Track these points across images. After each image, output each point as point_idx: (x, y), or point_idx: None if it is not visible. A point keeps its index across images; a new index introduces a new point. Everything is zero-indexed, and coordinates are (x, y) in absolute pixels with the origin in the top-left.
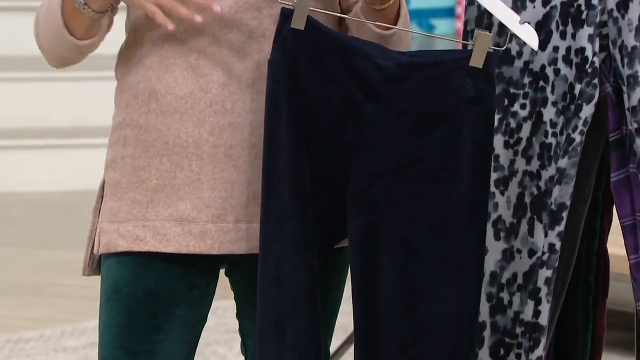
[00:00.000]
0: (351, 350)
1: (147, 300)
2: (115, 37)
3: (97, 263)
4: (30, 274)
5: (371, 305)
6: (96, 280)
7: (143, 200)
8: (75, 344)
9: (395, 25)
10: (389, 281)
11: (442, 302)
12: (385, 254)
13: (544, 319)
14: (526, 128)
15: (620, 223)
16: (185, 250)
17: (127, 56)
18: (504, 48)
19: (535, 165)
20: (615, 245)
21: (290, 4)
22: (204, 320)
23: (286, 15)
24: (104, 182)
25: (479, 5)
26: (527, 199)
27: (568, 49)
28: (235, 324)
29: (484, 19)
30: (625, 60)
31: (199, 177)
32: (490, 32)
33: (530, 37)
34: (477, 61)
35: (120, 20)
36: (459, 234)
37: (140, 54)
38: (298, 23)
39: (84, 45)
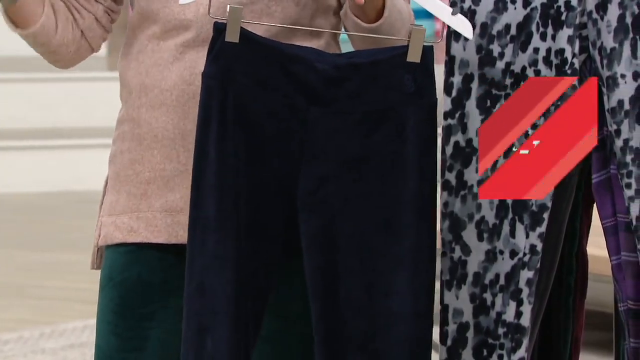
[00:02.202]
0: None
1: (139, 288)
2: None
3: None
4: (10, 275)
5: (331, 306)
6: (75, 282)
7: (137, 193)
8: (54, 345)
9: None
10: (347, 281)
11: (398, 298)
12: (341, 255)
13: (525, 320)
14: None
15: (602, 224)
16: (175, 241)
17: (125, 53)
18: (439, 42)
19: None
20: (593, 246)
21: (223, 18)
22: None
23: (219, 29)
24: (107, 178)
25: (462, 8)
26: (509, 200)
27: (548, 50)
28: None
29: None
30: (605, 61)
31: (187, 168)
32: (472, 35)
33: (463, 26)
34: (414, 56)
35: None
36: (411, 230)
37: (135, 51)
38: (232, 36)
39: (29, 33)
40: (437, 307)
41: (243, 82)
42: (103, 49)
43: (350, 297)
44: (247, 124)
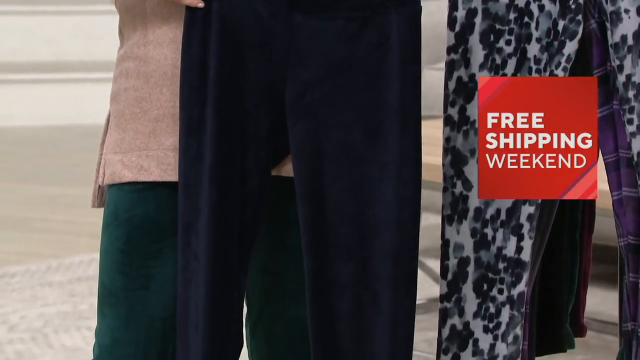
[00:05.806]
0: None
1: (146, 226)
2: None
3: (105, 195)
4: (15, 209)
5: (317, 211)
6: (81, 216)
7: (145, 131)
8: (60, 278)
9: None
10: (333, 188)
11: (383, 207)
12: (327, 162)
13: (526, 255)
14: (511, 64)
15: (603, 160)
16: None
17: None
18: None
19: None
20: (600, 180)
21: None
22: None
23: None
24: (109, 115)
25: None
26: None
27: None
28: None
29: None
30: None
31: None
32: None
33: None
34: None
35: None
36: (395, 139)
37: None
38: None
39: None
40: (438, 241)
41: None
42: None
43: (336, 204)
44: (230, 30)
